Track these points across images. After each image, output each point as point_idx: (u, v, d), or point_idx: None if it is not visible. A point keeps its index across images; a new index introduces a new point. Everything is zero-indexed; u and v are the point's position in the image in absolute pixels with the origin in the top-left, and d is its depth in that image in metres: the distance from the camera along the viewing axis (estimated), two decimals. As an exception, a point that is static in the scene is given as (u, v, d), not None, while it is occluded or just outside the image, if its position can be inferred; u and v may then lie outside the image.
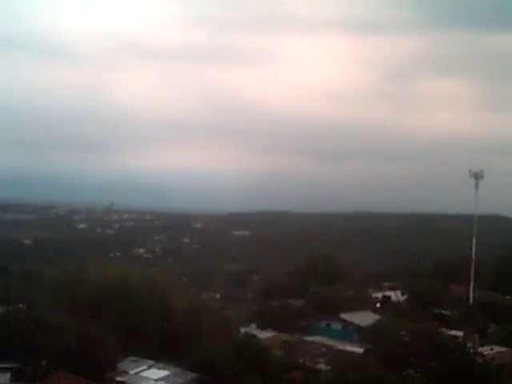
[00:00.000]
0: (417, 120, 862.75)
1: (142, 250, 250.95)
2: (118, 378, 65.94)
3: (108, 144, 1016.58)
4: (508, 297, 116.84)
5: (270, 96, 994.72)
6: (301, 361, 74.89)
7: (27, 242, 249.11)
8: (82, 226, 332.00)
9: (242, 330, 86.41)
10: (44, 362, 64.96)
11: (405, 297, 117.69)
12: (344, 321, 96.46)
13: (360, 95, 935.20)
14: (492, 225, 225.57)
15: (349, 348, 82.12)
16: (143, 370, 68.37)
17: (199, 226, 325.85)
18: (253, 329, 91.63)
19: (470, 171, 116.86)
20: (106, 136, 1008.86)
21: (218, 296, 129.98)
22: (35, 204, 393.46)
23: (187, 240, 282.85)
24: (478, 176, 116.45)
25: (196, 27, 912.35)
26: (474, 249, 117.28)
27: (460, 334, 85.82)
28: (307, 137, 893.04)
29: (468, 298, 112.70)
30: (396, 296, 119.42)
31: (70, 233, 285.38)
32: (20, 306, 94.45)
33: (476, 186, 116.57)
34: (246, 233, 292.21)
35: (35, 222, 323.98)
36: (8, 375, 62.02)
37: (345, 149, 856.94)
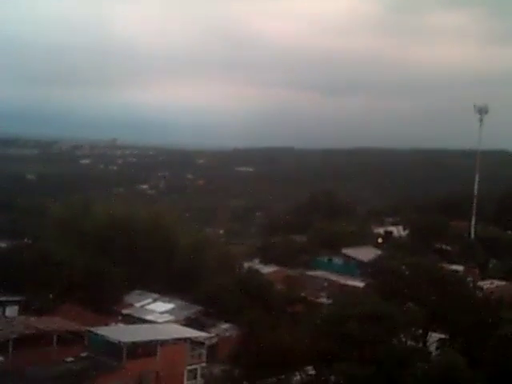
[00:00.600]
0: (420, 54, 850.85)
1: (145, 186, 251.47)
2: (124, 311, 67.22)
3: (111, 79, 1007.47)
4: (509, 232, 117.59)
5: (273, 30, 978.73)
6: (303, 294, 75.97)
7: (31, 177, 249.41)
8: (85, 161, 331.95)
9: (246, 265, 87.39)
10: (51, 295, 66.16)
11: (406, 232, 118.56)
12: (346, 256, 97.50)
13: (364, 28, 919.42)
14: (496, 160, 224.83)
15: (350, 282, 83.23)
16: (148, 303, 69.64)
17: (202, 162, 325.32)
18: (256, 264, 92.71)
19: (474, 106, 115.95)
20: (109, 70, 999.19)
21: (221, 231, 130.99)
22: (38, 139, 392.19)
23: (190, 176, 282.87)
24: (482, 111, 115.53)
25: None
26: (476, 184, 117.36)
27: (460, 268, 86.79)
28: (311, 71, 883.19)
29: (469, 234, 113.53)
30: (398, 231, 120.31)
31: (73, 168, 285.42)
32: (25, 240, 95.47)
33: (480, 120, 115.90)
34: (250, 169, 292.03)
35: (38, 157, 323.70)
36: (16, 308, 63.19)
37: (349, 83, 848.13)
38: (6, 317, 59.74)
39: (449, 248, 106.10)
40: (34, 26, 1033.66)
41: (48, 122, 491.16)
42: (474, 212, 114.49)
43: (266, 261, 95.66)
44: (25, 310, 63.16)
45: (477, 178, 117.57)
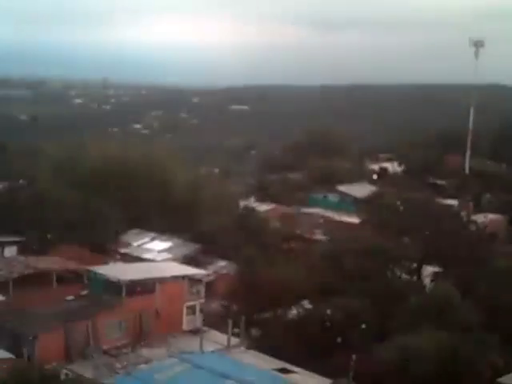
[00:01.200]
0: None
1: (138, 126, 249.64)
2: (122, 250, 67.81)
3: (100, 15, 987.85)
4: (504, 165, 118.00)
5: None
6: (298, 231, 76.64)
7: (23, 117, 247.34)
8: (77, 101, 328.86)
9: (242, 203, 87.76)
10: (48, 235, 66.60)
11: (401, 168, 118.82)
12: (341, 192, 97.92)
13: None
14: (492, 94, 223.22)
15: (346, 218, 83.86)
16: (146, 242, 70.21)
17: (196, 100, 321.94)
18: (252, 202, 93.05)
19: (470, 39, 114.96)
20: (99, 6, 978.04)
21: (216, 171, 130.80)
22: (27, 79, 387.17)
23: (184, 115, 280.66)
24: (478, 44, 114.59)
25: None
26: (471, 119, 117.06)
27: (455, 202, 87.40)
28: (307, 6, 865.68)
29: (464, 168, 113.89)
30: (393, 167, 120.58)
31: (66, 108, 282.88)
32: (21, 181, 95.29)
33: (476, 54, 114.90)
34: (244, 107, 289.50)
35: (30, 98, 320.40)
36: (14, 248, 63.70)
37: (344, 17, 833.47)
38: (4, 257, 60.26)
39: (443, 183, 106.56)
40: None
41: (36, 62, 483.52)
42: (468, 146, 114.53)
43: (261, 199, 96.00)
44: (23, 250, 63.71)
45: (472, 112, 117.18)
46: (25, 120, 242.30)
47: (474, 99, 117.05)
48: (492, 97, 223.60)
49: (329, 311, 48.37)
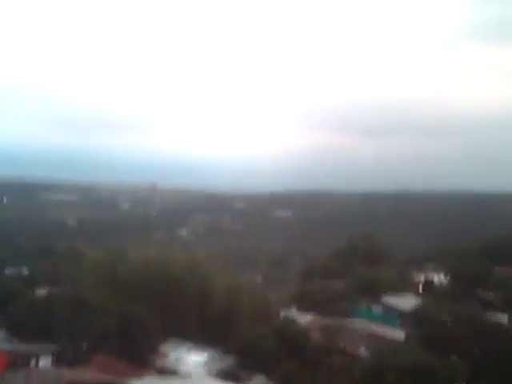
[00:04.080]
0: (464, 93, 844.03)
1: (183, 231, 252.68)
2: (158, 362, 66.15)
3: (148, 124, 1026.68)
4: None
5: (313, 72, 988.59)
6: (341, 345, 74.01)
7: (71, 222, 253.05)
8: (124, 206, 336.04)
9: (282, 313, 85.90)
10: (85, 345, 65.59)
11: (448, 279, 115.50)
12: (385, 304, 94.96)
13: (404, 68, 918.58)
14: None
15: (390, 333, 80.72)
16: (183, 354, 68.42)
17: (241, 206, 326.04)
18: (293, 311, 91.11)
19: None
20: (147, 116, 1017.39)
21: (258, 277, 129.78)
22: (78, 184, 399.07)
23: (229, 220, 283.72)
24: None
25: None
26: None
27: (505, 317, 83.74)
28: (350, 113, 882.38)
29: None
30: (439, 278, 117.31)
31: (112, 213, 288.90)
32: (64, 287, 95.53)
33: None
34: (288, 213, 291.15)
35: (78, 202, 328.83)
36: (49, 359, 62.69)
37: (389, 124, 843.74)
38: (38, 369, 59.23)
39: (493, 296, 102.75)
40: (71, 71, 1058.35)
41: (87, 167, 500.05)
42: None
43: (303, 308, 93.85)
44: (58, 360, 62.63)
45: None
46: (72, 224, 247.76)
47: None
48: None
49: None
